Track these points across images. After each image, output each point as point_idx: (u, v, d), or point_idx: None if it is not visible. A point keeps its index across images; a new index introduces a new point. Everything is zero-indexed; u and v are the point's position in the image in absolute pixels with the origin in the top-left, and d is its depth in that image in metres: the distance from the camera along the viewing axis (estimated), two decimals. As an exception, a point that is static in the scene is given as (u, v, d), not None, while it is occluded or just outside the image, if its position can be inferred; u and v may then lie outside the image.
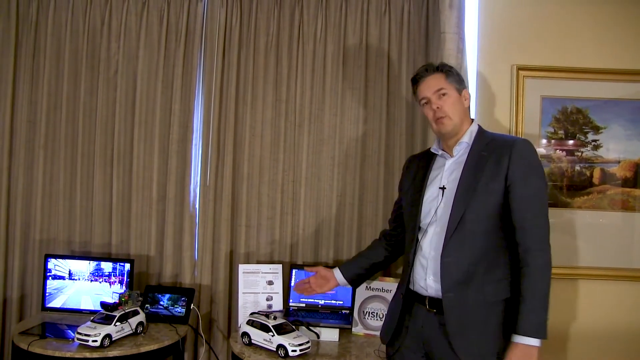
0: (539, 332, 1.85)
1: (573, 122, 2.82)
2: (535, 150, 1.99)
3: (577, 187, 2.82)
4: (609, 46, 2.83)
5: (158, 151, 2.98)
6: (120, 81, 2.99)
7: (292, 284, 2.83)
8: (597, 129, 2.82)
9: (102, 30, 2.99)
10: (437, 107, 2.05)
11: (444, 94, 2.05)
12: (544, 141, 2.83)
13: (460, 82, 2.10)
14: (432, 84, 2.08)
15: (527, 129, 2.81)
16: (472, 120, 2.12)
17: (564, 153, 2.83)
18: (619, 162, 2.82)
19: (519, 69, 2.81)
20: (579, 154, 2.82)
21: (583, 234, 2.82)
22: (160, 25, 2.98)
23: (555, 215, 2.80)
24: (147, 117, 3.00)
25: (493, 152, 1.97)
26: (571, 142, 2.83)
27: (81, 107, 2.99)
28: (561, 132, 2.83)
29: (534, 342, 1.84)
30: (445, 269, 1.95)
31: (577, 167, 2.82)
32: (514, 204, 1.91)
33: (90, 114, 3.00)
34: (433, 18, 2.85)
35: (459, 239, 1.94)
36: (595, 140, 2.82)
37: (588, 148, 2.82)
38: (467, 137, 2.06)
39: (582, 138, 2.82)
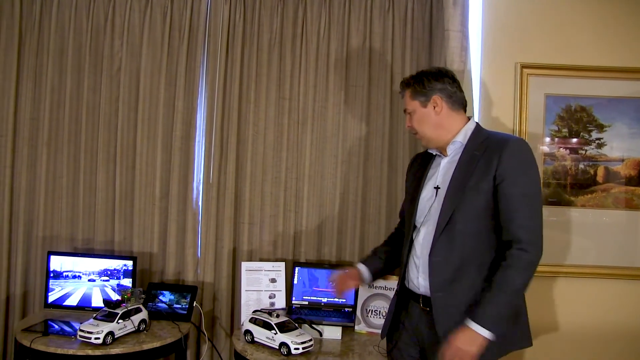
0: (493, 324, 1.81)
1: (577, 120, 2.81)
2: (529, 149, 1.94)
3: (580, 185, 2.81)
4: (613, 44, 2.81)
5: (161, 148, 2.98)
6: (124, 78, 2.99)
7: (295, 281, 2.84)
8: (601, 127, 2.81)
9: (105, 28, 2.99)
10: (407, 127, 2.14)
11: (409, 114, 2.11)
12: (548, 139, 2.82)
13: (425, 93, 2.05)
14: (403, 103, 2.16)
15: (531, 127, 2.80)
16: (469, 118, 2.09)
17: (568, 151, 2.82)
18: (622, 160, 2.80)
19: (523, 67, 2.80)
20: (583, 152, 2.81)
21: (587, 232, 2.80)
22: (164, 22, 2.97)
23: (559, 214, 2.79)
24: (150, 114, 3.00)
25: (485, 151, 1.94)
26: (575, 140, 2.82)
27: (84, 105, 2.98)
28: (565, 130, 2.82)
29: (484, 331, 1.80)
30: (433, 268, 1.95)
31: (581, 166, 2.81)
32: (501, 204, 1.88)
33: (93, 111, 3.00)
34: (437, 15, 2.84)
35: (448, 239, 1.93)
36: (599, 139, 2.81)
37: (592, 146, 2.81)
38: (461, 137, 2.03)
39: (586, 136, 2.81)
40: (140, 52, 2.98)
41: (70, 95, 2.99)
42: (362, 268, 2.30)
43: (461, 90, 2.10)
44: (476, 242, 1.92)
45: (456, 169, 1.99)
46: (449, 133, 2.04)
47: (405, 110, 2.13)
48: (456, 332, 1.84)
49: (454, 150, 2.05)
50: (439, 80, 2.06)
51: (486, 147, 1.95)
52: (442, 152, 2.08)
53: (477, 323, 1.81)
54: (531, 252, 1.84)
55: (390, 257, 2.34)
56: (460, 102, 2.08)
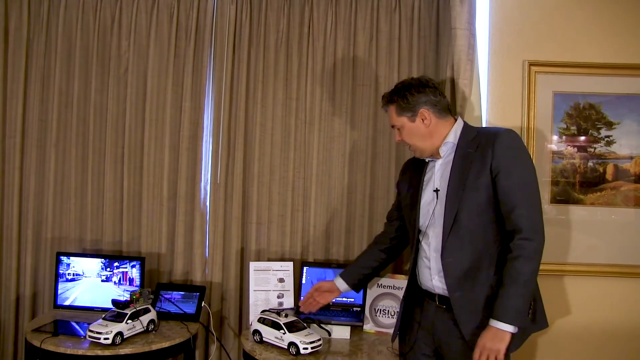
0: (514, 318, 1.85)
1: (586, 118, 2.79)
2: (519, 138, 1.98)
3: (589, 183, 2.80)
4: (621, 41, 2.79)
5: (168, 149, 2.99)
6: (131, 79, 2.99)
7: (303, 281, 2.83)
8: (610, 125, 2.79)
9: (112, 28, 3.00)
10: (397, 141, 2.17)
11: (398, 129, 2.13)
12: (556, 137, 2.80)
13: (411, 109, 2.06)
14: (389, 118, 2.17)
15: (539, 125, 2.79)
16: (456, 119, 2.11)
17: (576, 149, 2.80)
18: (632, 158, 2.78)
19: (531, 64, 2.78)
20: (592, 149, 2.80)
21: (596, 230, 2.79)
22: (170, 22, 2.98)
23: (568, 212, 2.78)
24: (158, 114, 3.00)
25: (478, 147, 1.97)
26: (583, 138, 2.80)
27: (92, 106, 2.99)
28: (573, 128, 2.80)
29: (507, 327, 1.84)
30: (447, 269, 1.97)
31: (590, 164, 2.79)
32: (500, 195, 1.92)
33: (100, 112, 3.01)
34: (444, 14, 2.83)
35: (457, 238, 1.96)
36: (608, 136, 2.79)
37: (601, 144, 2.79)
38: (452, 137, 2.06)
39: (595, 134, 2.79)
40: (147, 52, 2.98)
41: (78, 97, 3.00)
42: (339, 283, 2.43)
43: (444, 96, 2.13)
44: (484, 237, 1.95)
45: (452, 168, 2.02)
46: (440, 139, 2.08)
47: (393, 126, 2.15)
48: (482, 332, 1.88)
49: (447, 151, 2.08)
50: (422, 92, 2.07)
51: (478, 143, 1.99)
52: (435, 155, 2.10)
53: (499, 320, 1.85)
54: (534, 240, 1.87)
55: (377, 266, 2.44)
56: (446, 108, 2.11)
